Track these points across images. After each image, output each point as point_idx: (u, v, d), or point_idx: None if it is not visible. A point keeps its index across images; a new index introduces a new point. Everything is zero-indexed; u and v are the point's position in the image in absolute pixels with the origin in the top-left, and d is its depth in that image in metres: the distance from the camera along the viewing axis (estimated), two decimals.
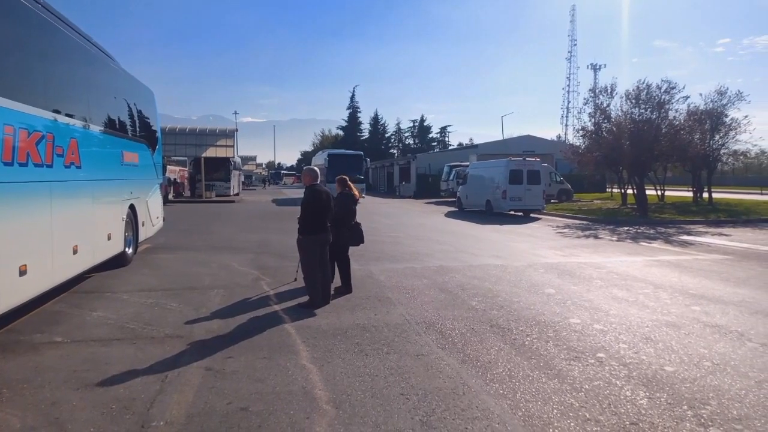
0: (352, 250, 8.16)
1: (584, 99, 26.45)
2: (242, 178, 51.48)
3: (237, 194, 39.76)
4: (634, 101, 22.53)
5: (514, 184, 22.34)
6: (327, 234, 7.26)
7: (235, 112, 68.67)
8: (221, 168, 36.47)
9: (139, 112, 11.06)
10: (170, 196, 30.48)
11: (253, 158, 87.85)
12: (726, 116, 24.74)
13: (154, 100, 12.65)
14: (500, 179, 22.62)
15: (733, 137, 24.99)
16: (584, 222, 20.39)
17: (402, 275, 9.17)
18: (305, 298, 7.15)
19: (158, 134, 12.83)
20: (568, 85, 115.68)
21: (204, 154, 34.82)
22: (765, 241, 14.03)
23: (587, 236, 15.50)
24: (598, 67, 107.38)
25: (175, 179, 36.09)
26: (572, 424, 3.72)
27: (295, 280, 8.32)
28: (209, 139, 36.10)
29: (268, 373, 4.61)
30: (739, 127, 24.46)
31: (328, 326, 6.09)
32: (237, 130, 39.64)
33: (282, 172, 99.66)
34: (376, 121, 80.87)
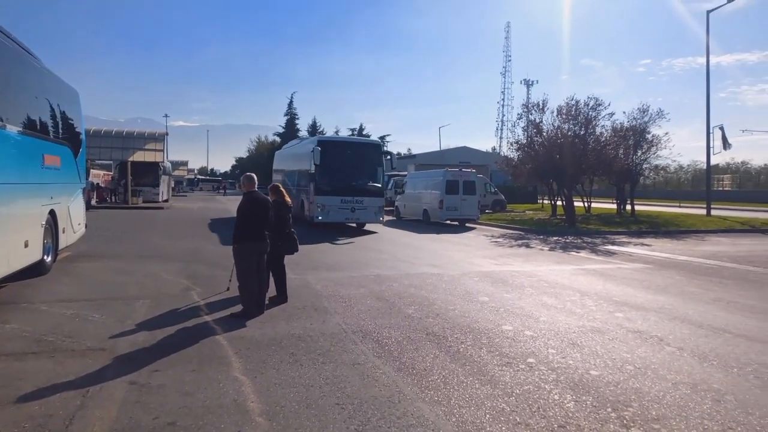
0: (288, 259, 8.03)
1: (518, 114, 27.48)
2: (172, 184, 49.66)
3: (166, 200, 38.31)
4: (564, 117, 23.55)
5: (451, 195, 22.81)
6: (264, 242, 7.12)
7: (166, 115, 66.22)
8: (149, 173, 35.00)
9: (62, 112, 10.46)
10: (93, 202, 28.97)
11: (185, 163, 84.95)
12: (648, 133, 26.34)
13: (79, 101, 12.03)
14: (437, 189, 23.03)
15: (654, 153, 26.64)
16: (517, 232, 21.04)
17: (339, 284, 9.10)
18: (238, 308, 6.96)
19: (82, 136, 12.19)
20: (503, 99, 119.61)
21: (131, 158, 33.35)
22: (683, 251, 14.96)
23: (519, 245, 15.99)
24: (530, 82, 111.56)
25: (98, 184, 34.36)
26: (504, 428, 3.80)
27: (228, 289, 8.08)
28: (137, 143, 34.66)
29: (197, 386, 4.44)
30: (660, 143, 26.12)
31: (262, 336, 5.94)
32: (167, 134, 38.26)
33: (198, 177, 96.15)
34: (314, 128, 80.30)
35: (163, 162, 37.06)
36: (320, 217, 18.65)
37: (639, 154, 26.74)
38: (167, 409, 3.96)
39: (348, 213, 18.88)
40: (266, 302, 7.28)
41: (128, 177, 31.96)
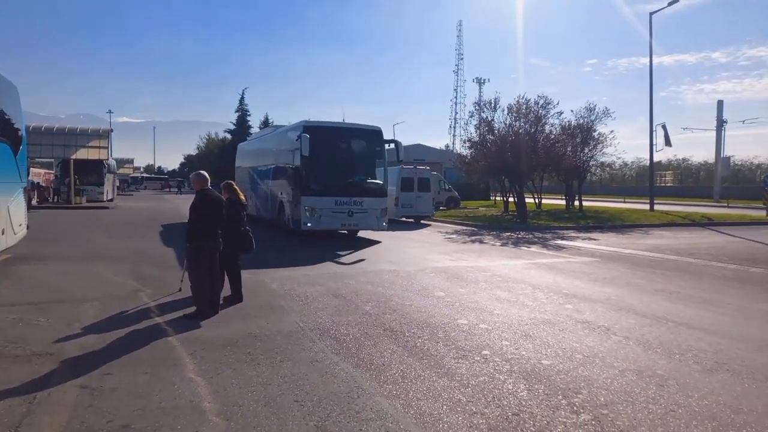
0: (243, 258, 7.92)
1: (470, 112, 27.87)
2: (117, 183, 47.93)
3: (111, 200, 36.99)
4: (515, 115, 24.09)
5: (406, 192, 23.00)
6: (217, 241, 7.01)
7: (110, 111, 63.67)
8: (93, 171, 33.68)
9: (0, 109, 9.97)
10: (34, 202, 27.68)
11: (130, 161, 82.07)
12: (594, 131, 27.27)
13: (18, 96, 11.48)
14: (392, 186, 23.14)
15: (601, 150, 27.61)
16: (471, 228, 21.40)
17: (295, 283, 9.05)
18: (192, 309, 6.82)
19: (22, 133, 11.64)
20: (456, 97, 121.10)
21: (74, 156, 32.00)
22: (627, 245, 15.58)
23: (473, 241, 16.28)
24: (482, 81, 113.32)
25: (39, 183, 32.83)
26: (460, 418, 3.88)
27: (180, 290, 7.90)
28: (80, 140, 33.20)
29: (151, 388, 4.34)
30: (606, 141, 27.12)
31: (217, 337, 5.85)
32: (112, 131, 36.85)
33: (143, 175, 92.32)
34: (266, 124, 79.01)
35: (107, 160, 35.71)
36: (309, 224, 14.70)
37: (586, 151, 27.66)
38: (121, 413, 3.86)
39: (344, 218, 15.03)
40: (221, 302, 7.17)
41: (71, 175, 30.67)
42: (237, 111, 79.18)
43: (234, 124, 79.36)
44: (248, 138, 27.76)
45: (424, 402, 4.17)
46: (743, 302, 8.02)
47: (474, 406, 4.09)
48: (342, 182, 15.22)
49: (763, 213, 27.11)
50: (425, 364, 5.07)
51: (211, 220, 6.92)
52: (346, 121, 20.09)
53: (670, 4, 28.63)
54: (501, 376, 4.74)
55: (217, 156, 74.24)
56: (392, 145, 16.80)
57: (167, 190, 71.97)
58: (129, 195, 55.15)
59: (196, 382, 4.49)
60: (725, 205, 37.83)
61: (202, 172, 7.45)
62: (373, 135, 16.37)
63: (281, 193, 16.86)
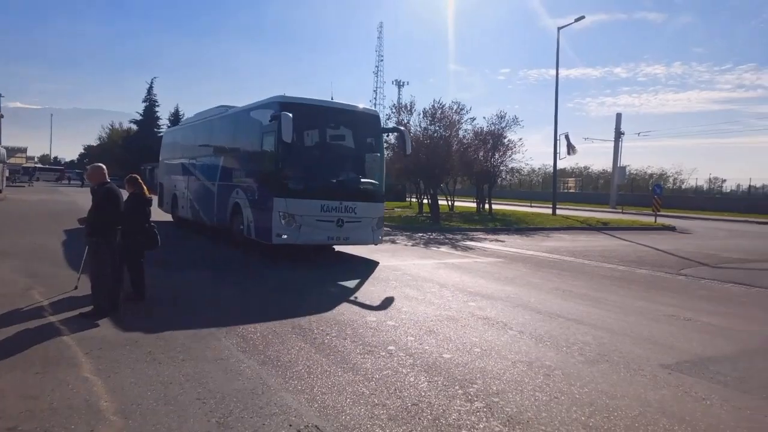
0: (147, 255, 7.66)
1: (386, 114, 28.28)
2: (7, 173, 44.14)
3: (0, 191, 34.13)
4: (430, 119, 24.77)
5: None
6: (117, 237, 6.75)
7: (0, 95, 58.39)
8: None
9: None
10: None
11: (23, 150, 75.76)
12: (504, 137, 28.57)
13: None
14: None
15: (510, 156, 28.97)
16: (385, 229, 21.73)
17: (203, 280, 8.85)
18: (89, 308, 6.51)
19: None
20: (375, 98, 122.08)
21: None
22: (530, 247, 16.51)
23: (387, 242, 16.59)
24: (402, 83, 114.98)
25: None
26: (362, 409, 4.03)
27: (76, 288, 7.50)
28: None
29: (42, 389, 4.14)
30: (515, 147, 28.49)
31: (115, 336, 5.64)
32: (2, 116, 34.03)
33: (37, 166, 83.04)
34: (176, 117, 75.58)
35: None
36: (284, 236, 10.77)
37: (497, 156, 28.91)
38: (7, 414, 3.66)
39: (332, 229, 11.16)
40: (121, 300, 6.90)
41: None
42: (144, 101, 75.19)
43: (141, 115, 75.32)
44: (181, 123, 21.09)
45: (329, 396, 4.28)
46: (626, 300, 8.79)
47: (376, 398, 4.25)
48: (331, 181, 11.58)
49: (652, 219, 29.59)
50: (332, 359, 5.18)
51: (112, 216, 6.66)
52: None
53: (576, 20, 30.64)
54: (404, 370, 4.95)
55: (121, 147, 70.17)
56: (392, 137, 13.83)
57: (65, 182, 66.40)
58: (21, 186, 50.94)
59: (92, 382, 4.34)
60: (620, 211, 40.89)
61: (100, 164, 7.14)
62: (370, 120, 12.70)
63: (236, 193, 12.75)
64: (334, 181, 11.63)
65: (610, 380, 4.93)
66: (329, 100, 13.91)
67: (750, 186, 53.15)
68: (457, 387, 4.57)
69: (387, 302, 7.86)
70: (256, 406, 4.01)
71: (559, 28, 31.45)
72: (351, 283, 9.22)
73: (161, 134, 74.39)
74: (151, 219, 7.45)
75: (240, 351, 5.34)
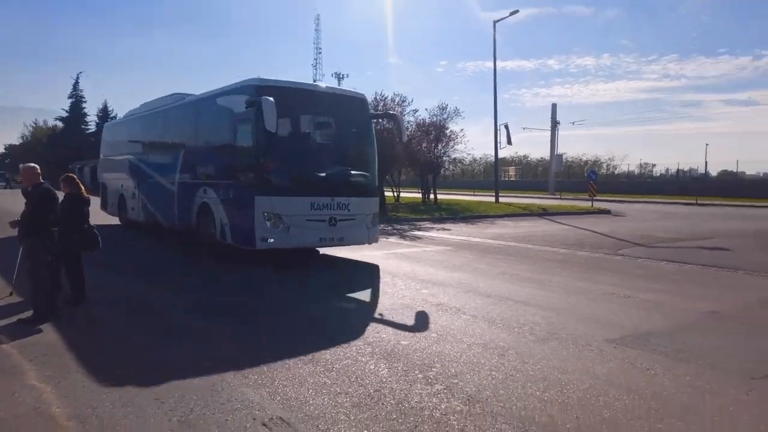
0: (91, 257, 7.35)
1: None
2: None
3: None
4: (373, 112, 24.79)
5: None
6: (55, 239, 6.46)
7: None
8: None
9: None
10: None
11: None
12: (446, 129, 29.03)
13: None
14: None
15: (452, 147, 29.48)
16: None
17: (152, 284, 8.59)
18: (29, 313, 6.20)
19: None
20: None
21: None
22: (475, 234, 16.89)
23: None
24: (341, 76, 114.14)
25: None
26: (326, 399, 4.06)
27: (11, 294, 7.12)
28: None
29: None
30: (457, 138, 29.00)
31: (59, 341, 5.41)
32: None
33: None
34: (105, 113, 72.17)
35: None
36: (271, 239, 9.57)
37: (439, 147, 29.34)
38: None
39: (324, 229, 9.98)
40: (60, 303, 6.60)
41: None
42: (70, 97, 71.37)
43: (67, 112, 71.51)
44: (126, 115, 18.56)
45: (290, 388, 4.27)
46: (569, 281, 9.18)
47: (338, 388, 4.29)
48: (320, 175, 10.26)
49: (588, 204, 30.85)
50: (291, 353, 5.17)
51: (48, 217, 6.36)
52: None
53: (511, 14, 31.41)
54: (363, 358, 5.00)
55: (47, 146, 66.49)
56: (385, 123, 12.12)
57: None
58: None
59: (40, 389, 4.15)
60: (559, 197, 42.42)
61: (33, 165, 6.77)
62: (359, 105, 11.34)
63: (204, 192, 11.31)
64: (324, 174, 10.26)
65: (561, 356, 5.15)
66: (310, 82, 12.40)
67: (678, 170, 56.40)
68: (416, 371, 4.66)
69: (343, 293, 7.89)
70: (218, 402, 3.96)
71: (494, 22, 32.21)
72: (301, 275, 9.18)
73: (90, 131, 71.22)
74: (90, 220, 7.15)
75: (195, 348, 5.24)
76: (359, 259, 11.27)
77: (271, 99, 8.97)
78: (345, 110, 11.03)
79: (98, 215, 16.54)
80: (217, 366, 4.71)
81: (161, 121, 14.38)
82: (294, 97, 10.24)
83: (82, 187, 7.30)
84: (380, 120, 24.19)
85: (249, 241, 9.67)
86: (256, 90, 9.66)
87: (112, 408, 3.83)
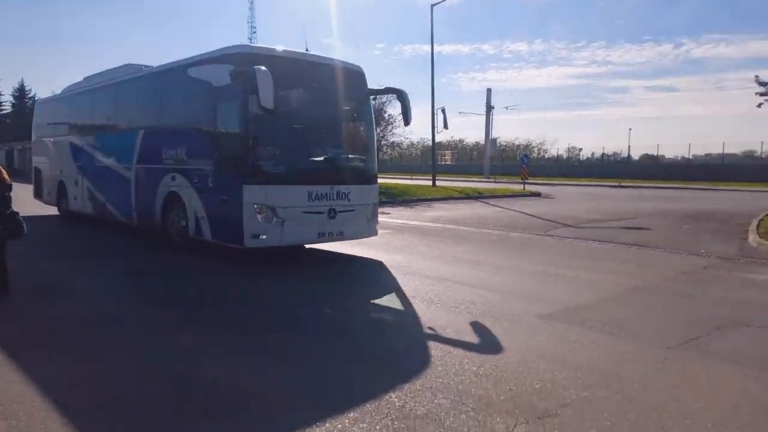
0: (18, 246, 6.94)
1: None
2: None
3: None
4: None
5: None
6: None
7: None
8: None
9: None
10: None
11: None
12: (385, 113, 29.18)
13: None
14: None
15: (391, 131, 29.68)
16: None
17: (79, 268, 8.22)
18: None
19: None
20: None
21: None
22: (414, 217, 17.16)
23: None
24: None
25: None
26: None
27: None
28: None
29: None
30: (395, 122, 29.22)
31: None
32: None
33: None
34: (22, 93, 67.48)
35: None
36: (264, 235, 8.31)
37: (378, 131, 29.48)
38: None
39: (324, 222, 8.82)
40: None
41: None
42: None
43: None
44: (65, 90, 15.70)
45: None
46: (503, 261, 9.53)
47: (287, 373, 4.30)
48: (318, 160, 9.15)
49: (521, 187, 31.90)
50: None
51: None
52: None
53: None
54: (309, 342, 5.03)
55: None
56: (383, 100, 10.44)
57: None
58: None
59: None
60: (493, 180, 43.62)
61: None
62: (356, 79, 9.82)
63: (172, 179, 9.91)
64: (323, 159, 9.14)
65: (496, 333, 5.38)
66: (302, 51, 10.24)
67: (603, 154, 59.29)
68: (358, 353, 4.75)
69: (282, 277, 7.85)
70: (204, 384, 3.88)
71: (432, 5, 32.37)
72: (245, 265, 9.05)
73: (5, 112, 66.28)
74: (12, 205, 6.73)
75: (138, 337, 5.10)
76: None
77: (266, 69, 7.62)
78: (342, 84, 9.50)
79: (32, 204, 15.58)
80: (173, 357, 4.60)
81: (113, 97, 12.55)
82: (287, 68, 8.67)
83: (4, 171, 6.87)
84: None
85: (236, 237, 8.38)
86: (243, 59, 8.31)
87: (41, 403, 3.68)
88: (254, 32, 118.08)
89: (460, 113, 55.23)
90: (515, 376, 4.24)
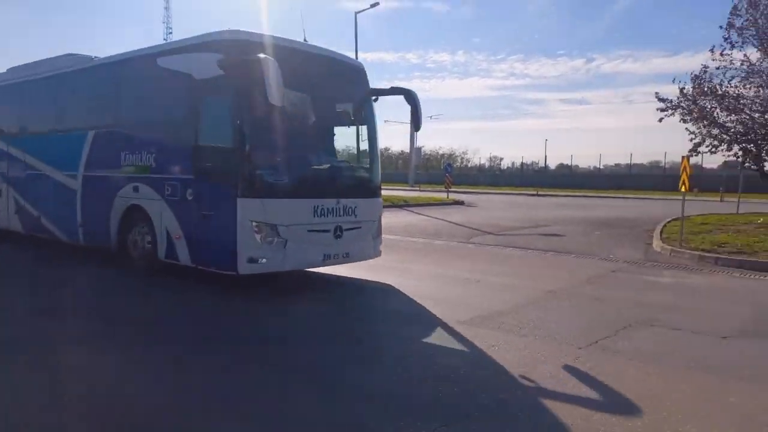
0: None
1: None
2: None
3: None
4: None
5: None
6: None
7: None
8: None
9: None
10: None
11: None
12: None
13: None
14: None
15: None
16: None
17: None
18: None
19: None
20: None
21: None
22: None
23: None
24: None
25: None
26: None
27: None
28: None
29: None
30: None
31: None
32: None
33: None
34: None
35: None
36: (263, 258, 6.85)
37: None
38: None
39: (329, 242, 7.52)
40: None
41: None
42: None
43: None
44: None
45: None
46: (428, 268, 9.78)
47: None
48: (323, 169, 8.02)
49: (445, 195, 32.69)
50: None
51: None
52: None
53: (372, 6, 32.05)
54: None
55: None
56: (376, 101, 8.93)
57: None
58: None
59: None
60: (418, 189, 44.45)
61: None
62: (358, 78, 8.60)
63: (133, 190, 8.31)
64: (328, 168, 8.00)
65: (421, 338, 5.51)
66: (303, 41, 8.50)
67: (522, 163, 61.94)
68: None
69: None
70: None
71: (356, 13, 32.66)
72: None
73: None
74: None
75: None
76: None
77: (272, 59, 6.35)
78: (345, 83, 8.37)
79: None
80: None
81: (53, 92, 10.35)
82: (288, 60, 6.85)
83: None
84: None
85: (226, 262, 6.88)
86: (237, 46, 6.87)
87: None
88: (170, 32, 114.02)
89: (385, 122, 55.64)
90: (437, 380, 4.35)
